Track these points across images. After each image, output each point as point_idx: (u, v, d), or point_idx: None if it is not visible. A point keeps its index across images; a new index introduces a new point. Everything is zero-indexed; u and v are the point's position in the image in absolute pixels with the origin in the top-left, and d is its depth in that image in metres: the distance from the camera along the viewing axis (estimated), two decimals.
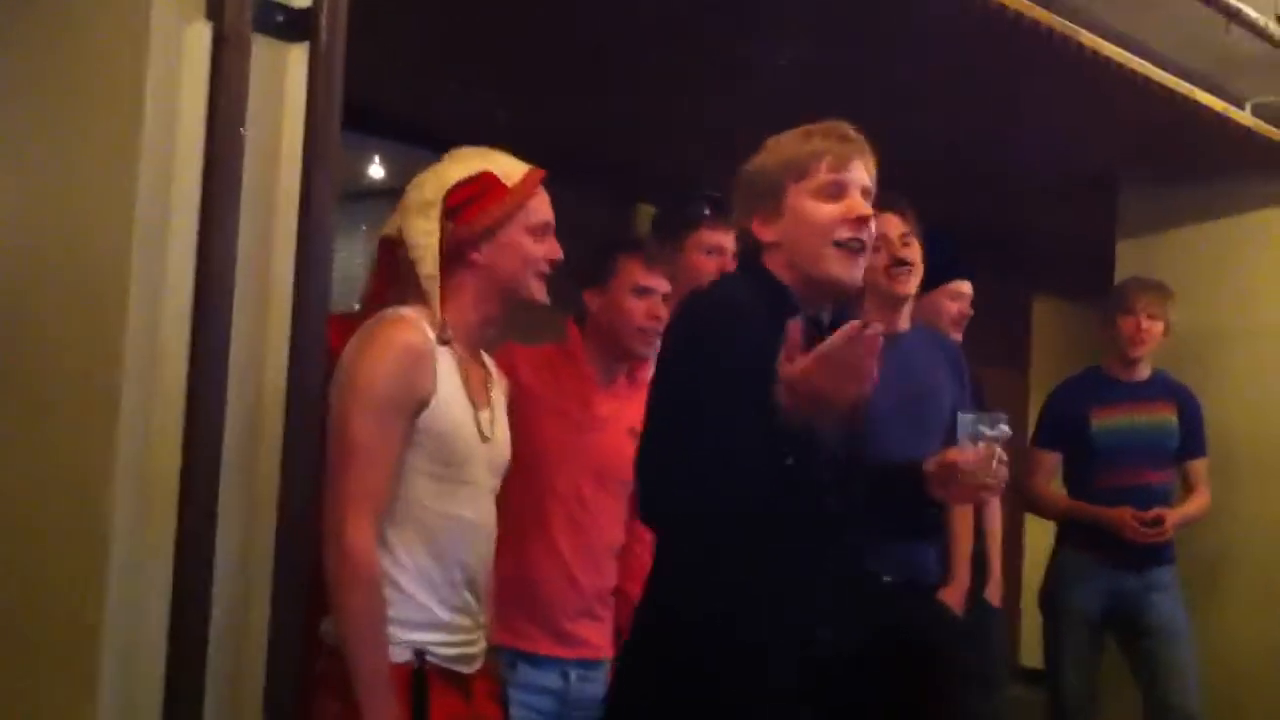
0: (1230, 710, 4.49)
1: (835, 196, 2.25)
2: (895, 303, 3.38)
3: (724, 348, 2.12)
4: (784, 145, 2.32)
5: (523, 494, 2.72)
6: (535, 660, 2.96)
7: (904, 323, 3.49)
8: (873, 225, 2.26)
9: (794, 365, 2.00)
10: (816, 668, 2.21)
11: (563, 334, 3.15)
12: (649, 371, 3.12)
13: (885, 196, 2.46)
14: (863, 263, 2.25)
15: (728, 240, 3.31)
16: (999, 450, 2.31)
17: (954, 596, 3.79)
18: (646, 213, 5.93)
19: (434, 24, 4.12)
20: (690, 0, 3.80)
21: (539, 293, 2.41)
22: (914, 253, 3.46)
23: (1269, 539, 4.96)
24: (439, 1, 3.90)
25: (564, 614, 3.00)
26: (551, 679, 2.98)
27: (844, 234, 2.23)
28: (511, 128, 4.76)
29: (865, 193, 2.26)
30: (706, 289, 2.43)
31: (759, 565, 2.18)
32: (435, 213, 2.34)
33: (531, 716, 2.94)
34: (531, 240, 2.39)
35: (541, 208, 2.42)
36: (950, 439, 3.78)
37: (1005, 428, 2.32)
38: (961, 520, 3.76)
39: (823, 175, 2.25)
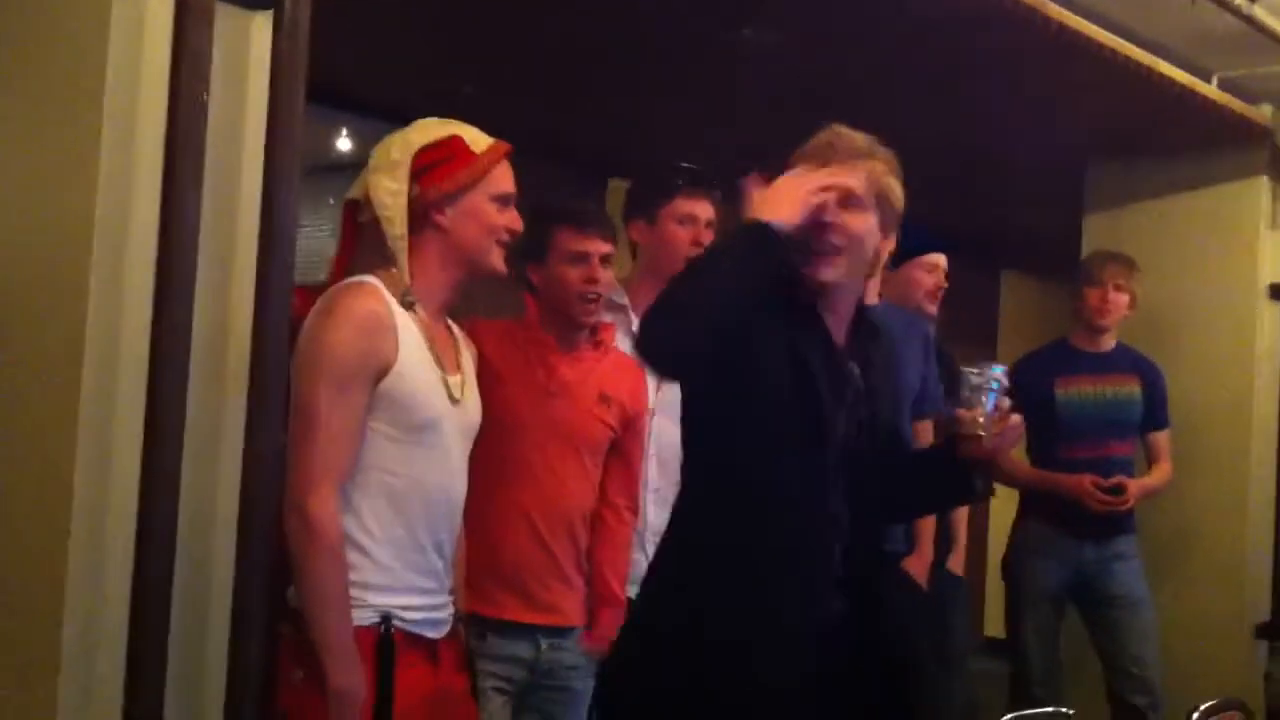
0: (1189, 681, 4.53)
1: None
2: None
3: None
4: (795, 154, 2.38)
5: (491, 461, 2.72)
6: (506, 629, 2.96)
7: (869, 298, 3.51)
8: (852, 226, 2.28)
9: None
10: (807, 642, 2.29)
11: (523, 311, 3.16)
12: (612, 334, 3.13)
13: None
14: (838, 262, 2.28)
15: (701, 209, 3.33)
16: (1000, 401, 2.33)
17: (918, 567, 3.83)
18: (617, 189, 5.93)
19: None
20: None
21: (498, 261, 2.42)
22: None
23: (1229, 511, 5.01)
24: None
25: (535, 579, 3.00)
26: (523, 647, 2.99)
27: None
28: (481, 101, 4.78)
29: (844, 195, 2.28)
30: None
31: (758, 539, 2.27)
32: (403, 173, 2.34)
33: (502, 686, 2.95)
34: (494, 209, 2.40)
35: (505, 178, 2.43)
36: (916, 413, 3.85)
37: (986, 376, 2.35)
38: None
39: None
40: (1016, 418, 2.38)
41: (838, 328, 2.37)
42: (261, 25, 2.33)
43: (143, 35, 2.20)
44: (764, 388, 2.27)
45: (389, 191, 2.33)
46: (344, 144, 6.40)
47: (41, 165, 2.26)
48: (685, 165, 3.40)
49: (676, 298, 2.17)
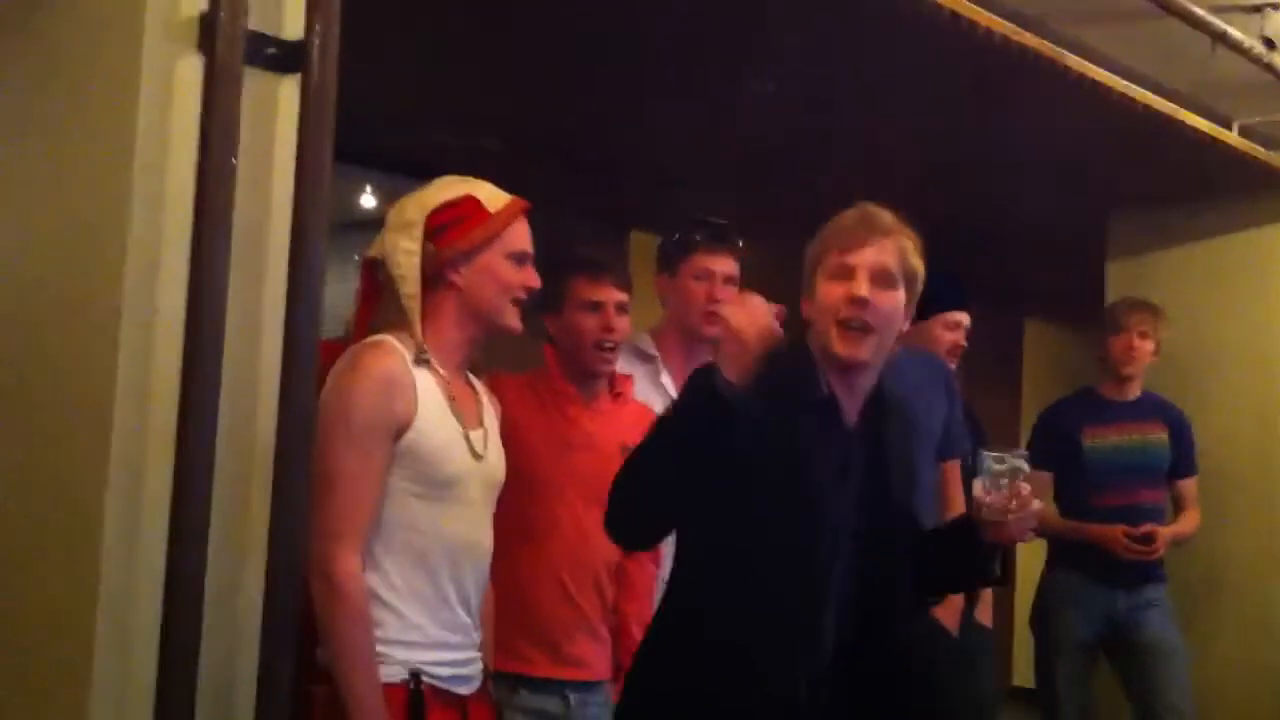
0: None
1: (842, 278, 2.30)
2: None
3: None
4: (822, 229, 2.39)
5: (516, 515, 2.73)
6: (535, 684, 2.96)
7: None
8: (883, 304, 2.29)
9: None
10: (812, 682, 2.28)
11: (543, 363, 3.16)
12: (630, 386, 3.14)
13: None
14: (870, 341, 2.29)
15: (720, 265, 3.34)
16: (1020, 485, 2.35)
17: (948, 615, 3.81)
18: (640, 241, 5.96)
19: (426, 55, 4.15)
20: (683, 32, 3.83)
21: (513, 319, 2.43)
22: None
23: (1256, 559, 4.98)
24: (431, 33, 3.93)
25: (563, 633, 2.99)
26: (552, 703, 2.98)
27: (844, 314, 2.29)
28: (503, 155, 4.82)
29: (879, 272, 2.29)
30: None
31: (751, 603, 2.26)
32: (417, 232, 2.36)
33: None
34: (510, 267, 2.41)
35: (521, 235, 2.44)
36: (942, 455, 3.84)
37: (1018, 462, 2.37)
38: None
39: (833, 258, 2.32)
40: (1038, 504, 2.38)
41: (852, 406, 2.36)
42: (289, 89, 2.36)
43: (172, 100, 2.22)
44: (758, 477, 2.23)
45: (404, 251, 2.35)
46: (368, 200, 6.45)
47: (72, 226, 2.28)
48: (707, 220, 3.41)
49: (629, 490, 2.21)
